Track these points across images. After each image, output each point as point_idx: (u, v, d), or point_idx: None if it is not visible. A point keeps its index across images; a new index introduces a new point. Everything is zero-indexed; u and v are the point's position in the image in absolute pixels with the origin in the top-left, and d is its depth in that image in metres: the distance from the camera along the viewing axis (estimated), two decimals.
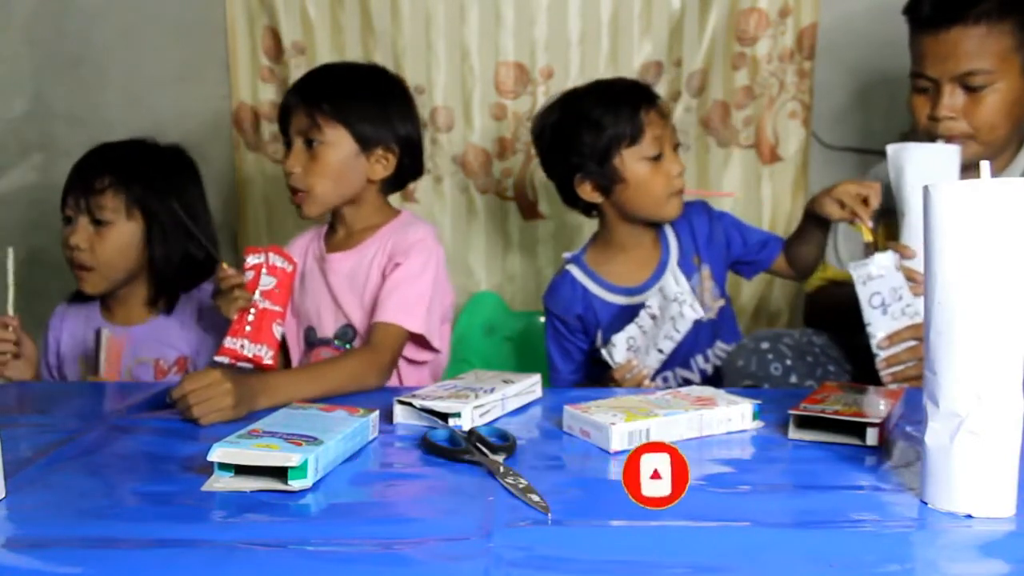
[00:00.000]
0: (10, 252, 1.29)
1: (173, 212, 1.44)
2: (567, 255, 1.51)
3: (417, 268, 1.34)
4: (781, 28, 1.83)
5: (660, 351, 1.27)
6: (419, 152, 1.44)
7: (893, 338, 1.14)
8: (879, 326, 1.16)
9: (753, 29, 1.83)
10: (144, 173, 1.46)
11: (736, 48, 1.84)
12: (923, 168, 1.18)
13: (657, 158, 1.35)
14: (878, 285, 1.15)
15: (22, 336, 1.33)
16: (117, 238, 1.43)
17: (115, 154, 1.48)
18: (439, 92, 1.88)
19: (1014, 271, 0.64)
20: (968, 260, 0.65)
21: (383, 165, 1.38)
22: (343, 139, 1.34)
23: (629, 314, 1.37)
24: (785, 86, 1.85)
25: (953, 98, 1.25)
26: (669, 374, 1.42)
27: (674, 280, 1.23)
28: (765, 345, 1.28)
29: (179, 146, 1.53)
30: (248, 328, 1.25)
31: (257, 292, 1.25)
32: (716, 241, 1.44)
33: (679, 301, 1.22)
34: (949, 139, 1.27)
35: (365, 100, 1.37)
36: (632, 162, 1.35)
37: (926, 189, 0.67)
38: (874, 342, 1.16)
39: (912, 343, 1.13)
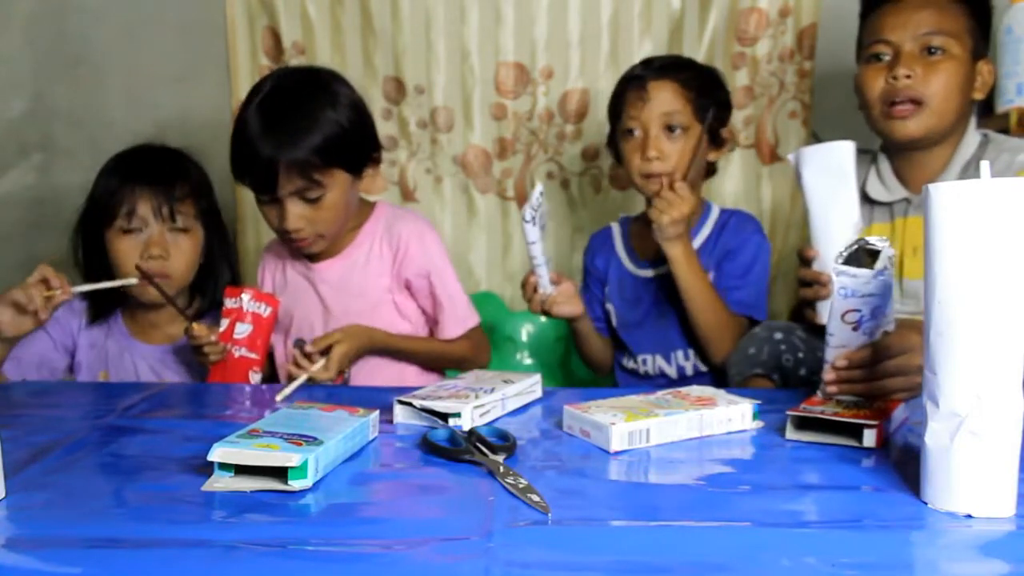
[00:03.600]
0: None
1: (224, 225, 1.48)
2: (622, 215, 1.63)
3: (448, 270, 1.42)
4: (781, 28, 1.83)
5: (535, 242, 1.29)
6: (377, 138, 1.41)
7: (852, 356, 0.96)
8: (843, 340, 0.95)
9: (753, 29, 1.83)
10: (205, 183, 1.46)
11: (736, 48, 1.84)
12: (818, 168, 1.17)
13: (630, 134, 1.43)
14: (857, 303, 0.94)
15: (43, 306, 1.25)
16: (192, 247, 1.42)
17: (178, 160, 1.45)
18: (439, 92, 1.88)
19: (1014, 271, 0.64)
20: (968, 260, 0.65)
21: (371, 176, 1.39)
22: (340, 178, 1.32)
23: (631, 284, 1.49)
24: (785, 86, 1.85)
25: (912, 60, 1.27)
26: (648, 357, 1.46)
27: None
28: (779, 335, 1.28)
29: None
30: (223, 376, 1.31)
31: (232, 342, 1.31)
32: (719, 253, 1.48)
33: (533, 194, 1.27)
34: (904, 102, 1.28)
35: (342, 129, 1.30)
36: (619, 135, 1.48)
37: (926, 189, 0.67)
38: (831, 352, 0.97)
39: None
